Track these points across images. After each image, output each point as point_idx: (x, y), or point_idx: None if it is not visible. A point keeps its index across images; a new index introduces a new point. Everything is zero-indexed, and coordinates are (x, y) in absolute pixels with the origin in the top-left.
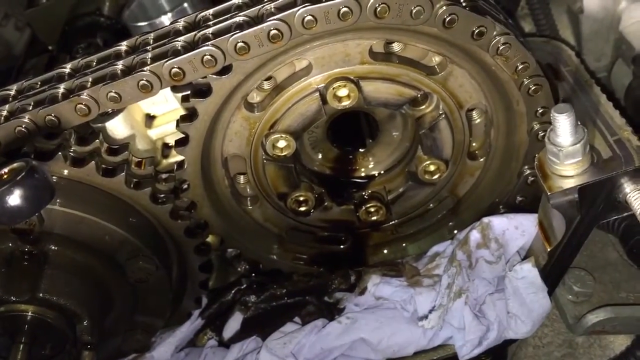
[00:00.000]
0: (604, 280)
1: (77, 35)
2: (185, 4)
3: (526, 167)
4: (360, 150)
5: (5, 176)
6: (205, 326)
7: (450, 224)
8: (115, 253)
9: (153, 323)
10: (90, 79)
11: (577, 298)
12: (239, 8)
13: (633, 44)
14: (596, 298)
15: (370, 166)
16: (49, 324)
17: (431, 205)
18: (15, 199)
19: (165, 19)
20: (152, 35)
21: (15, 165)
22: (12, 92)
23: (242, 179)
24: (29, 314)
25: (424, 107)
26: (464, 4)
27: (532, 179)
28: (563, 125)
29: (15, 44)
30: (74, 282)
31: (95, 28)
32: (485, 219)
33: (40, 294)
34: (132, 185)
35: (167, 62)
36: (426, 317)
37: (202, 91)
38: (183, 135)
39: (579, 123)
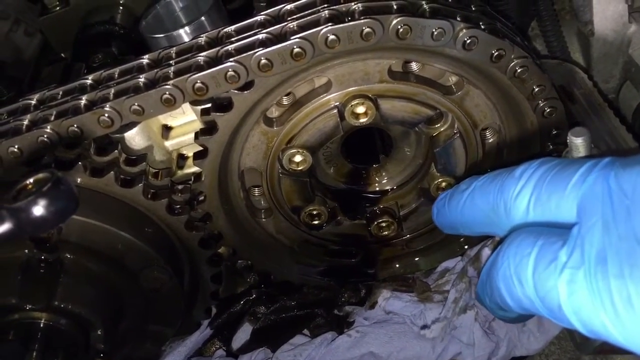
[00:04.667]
0: None
1: (91, 43)
2: (203, 18)
3: None
4: (374, 165)
5: (30, 187)
6: (213, 336)
7: (461, 240)
8: (130, 262)
9: (164, 332)
10: (113, 91)
11: None
12: (262, 25)
13: None
14: None
15: (383, 182)
16: (62, 331)
17: None
18: (40, 209)
19: (182, 32)
20: (174, 49)
21: (40, 176)
22: (34, 102)
23: (256, 191)
24: (43, 321)
25: (439, 125)
26: (483, 27)
27: None
28: (580, 148)
29: (25, 50)
30: (88, 290)
31: (109, 37)
32: (498, 237)
33: (56, 302)
34: (149, 196)
35: (191, 77)
36: (429, 326)
37: (223, 105)
38: (201, 148)
39: (593, 145)
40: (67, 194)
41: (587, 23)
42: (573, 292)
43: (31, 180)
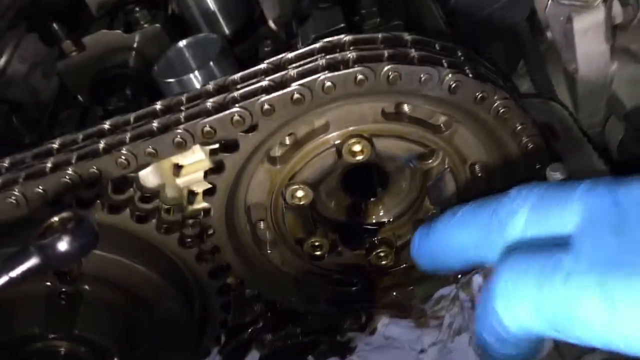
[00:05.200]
0: None
1: (106, 86)
2: (211, 63)
3: None
4: (372, 199)
5: (55, 225)
6: None
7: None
8: (144, 293)
9: (174, 359)
10: (129, 135)
11: None
12: (265, 73)
13: (624, 102)
14: None
15: (381, 214)
16: (82, 359)
17: None
18: (64, 245)
19: (192, 77)
20: (184, 96)
21: (64, 215)
22: (56, 146)
23: (262, 225)
24: (64, 350)
25: (430, 161)
26: (467, 71)
27: None
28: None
29: (43, 92)
30: (106, 319)
31: (123, 80)
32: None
33: (76, 331)
34: (162, 231)
35: (200, 122)
36: (426, 350)
37: (230, 146)
38: (210, 185)
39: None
40: (89, 231)
41: (571, 62)
42: (581, 296)
43: (56, 218)
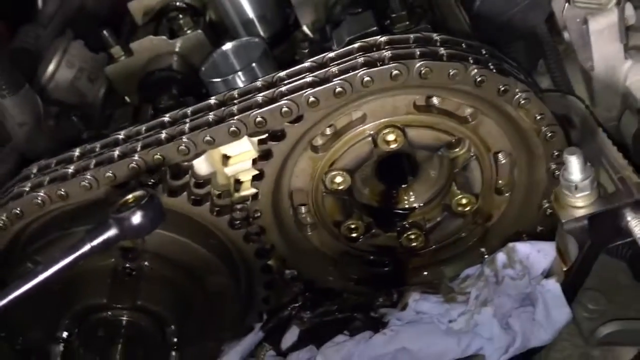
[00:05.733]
0: (616, 301)
1: (154, 87)
2: (254, 64)
3: (545, 201)
4: (403, 186)
5: (130, 201)
6: (265, 339)
7: (481, 250)
8: (197, 269)
9: (224, 334)
10: (188, 126)
11: (591, 315)
12: (309, 70)
13: (637, 97)
14: (608, 315)
15: (411, 199)
16: (142, 327)
17: (464, 234)
18: (138, 218)
19: (236, 77)
20: (236, 91)
21: (138, 193)
22: (122, 136)
23: (303, 209)
24: (126, 319)
25: (457, 149)
26: (491, 67)
27: (550, 211)
28: (574, 165)
29: (89, 94)
30: (164, 292)
31: (170, 81)
32: (511, 244)
33: (138, 302)
34: (214, 213)
35: (253, 113)
36: (455, 320)
37: (278, 136)
38: (257, 172)
39: (588, 163)
40: (158, 207)
41: (587, 60)
42: None
43: (131, 196)
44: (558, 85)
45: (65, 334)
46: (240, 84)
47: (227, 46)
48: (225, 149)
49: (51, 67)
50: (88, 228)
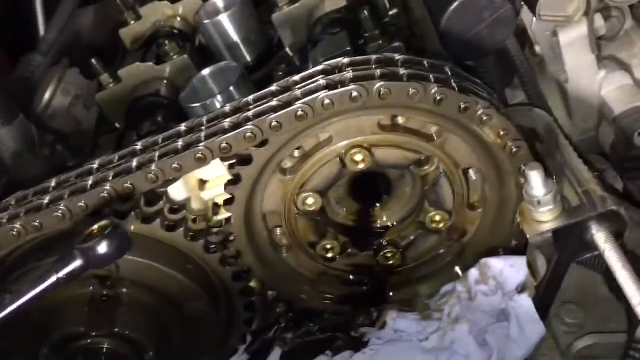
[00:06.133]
0: (595, 314)
1: (140, 114)
2: (232, 88)
3: (517, 215)
4: (378, 204)
5: (95, 231)
6: None
7: (458, 267)
8: (174, 294)
9: (205, 357)
10: (157, 154)
11: (569, 329)
12: (273, 94)
13: (613, 107)
14: (586, 328)
15: (387, 218)
16: (121, 354)
17: (441, 251)
18: (104, 248)
19: (215, 101)
20: (205, 118)
21: (102, 223)
22: (96, 166)
23: (278, 231)
24: (106, 346)
25: (427, 167)
26: (452, 85)
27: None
28: (535, 180)
29: (84, 122)
30: (141, 319)
31: (155, 107)
32: (483, 260)
33: (116, 329)
34: (189, 238)
35: (218, 139)
36: (427, 338)
37: (245, 160)
38: (230, 196)
39: (554, 177)
40: (123, 236)
41: (561, 73)
42: None
43: (95, 227)
44: (531, 99)
45: None
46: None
47: (206, 71)
48: (202, 174)
49: (47, 95)
50: (54, 260)
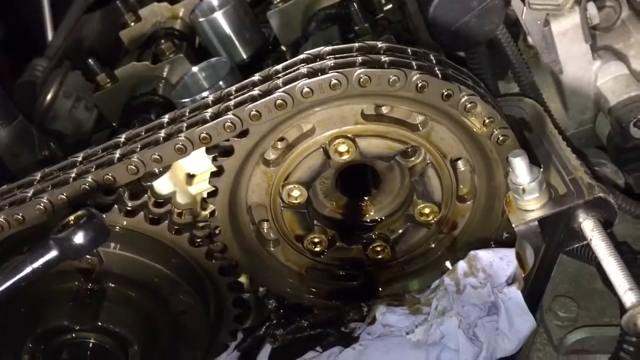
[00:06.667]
0: (590, 307)
1: (134, 112)
2: (221, 82)
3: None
4: (366, 198)
5: (71, 221)
6: (240, 358)
7: (448, 261)
8: (160, 288)
9: (193, 354)
10: (139, 145)
11: (562, 323)
12: (254, 84)
13: (608, 97)
14: (580, 322)
15: (375, 211)
16: (106, 349)
17: (432, 244)
18: (79, 238)
19: (204, 95)
20: (187, 109)
21: (78, 213)
22: (79, 159)
23: (265, 225)
24: (91, 341)
25: (413, 158)
26: (435, 72)
27: None
28: (519, 167)
29: (86, 123)
30: (126, 313)
31: (150, 106)
32: (472, 252)
33: (100, 323)
34: (173, 232)
35: (197, 129)
36: (413, 331)
37: (227, 151)
38: (213, 188)
39: (541, 165)
40: (99, 226)
41: (555, 63)
42: None
43: (72, 217)
44: (524, 91)
45: (28, 358)
46: None
47: (196, 68)
48: (189, 168)
49: (49, 98)
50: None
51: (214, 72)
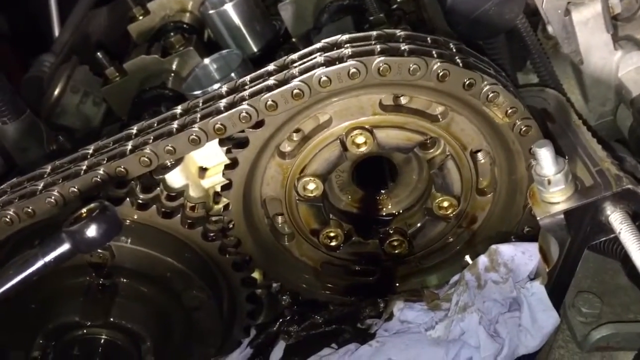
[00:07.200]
0: (613, 303)
1: (144, 105)
2: (233, 74)
3: (528, 198)
4: (383, 191)
5: (83, 214)
6: (253, 355)
7: (468, 255)
8: (172, 283)
9: (206, 350)
10: (152, 137)
11: (586, 319)
12: (270, 74)
13: (630, 88)
14: (604, 318)
15: (393, 205)
16: (118, 345)
17: (450, 239)
18: (92, 231)
19: (216, 87)
20: (201, 99)
21: (91, 205)
22: (90, 151)
23: (280, 219)
24: (103, 336)
25: (432, 150)
26: (456, 60)
27: None
28: (544, 158)
29: (94, 118)
30: (139, 308)
31: (160, 99)
32: (493, 246)
33: (112, 319)
34: (186, 226)
35: (212, 120)
36: (433, 327)
37: (242, 143)
38: (227, 181)
39: (566, 156)
40: (112, 218)
41: (575, 54)
42: None
43: (84, 209)
44: (544, 80)
45: (38, 354)
46: None
47: (208, 60)
48: (202, 161)
49: (56, 93)
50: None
51: (226, 64)
